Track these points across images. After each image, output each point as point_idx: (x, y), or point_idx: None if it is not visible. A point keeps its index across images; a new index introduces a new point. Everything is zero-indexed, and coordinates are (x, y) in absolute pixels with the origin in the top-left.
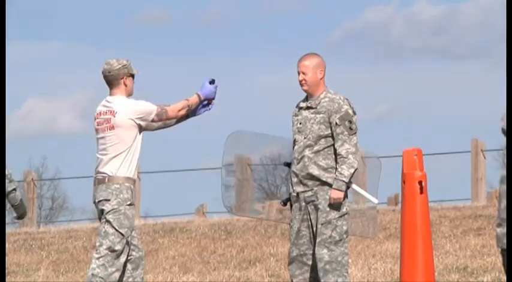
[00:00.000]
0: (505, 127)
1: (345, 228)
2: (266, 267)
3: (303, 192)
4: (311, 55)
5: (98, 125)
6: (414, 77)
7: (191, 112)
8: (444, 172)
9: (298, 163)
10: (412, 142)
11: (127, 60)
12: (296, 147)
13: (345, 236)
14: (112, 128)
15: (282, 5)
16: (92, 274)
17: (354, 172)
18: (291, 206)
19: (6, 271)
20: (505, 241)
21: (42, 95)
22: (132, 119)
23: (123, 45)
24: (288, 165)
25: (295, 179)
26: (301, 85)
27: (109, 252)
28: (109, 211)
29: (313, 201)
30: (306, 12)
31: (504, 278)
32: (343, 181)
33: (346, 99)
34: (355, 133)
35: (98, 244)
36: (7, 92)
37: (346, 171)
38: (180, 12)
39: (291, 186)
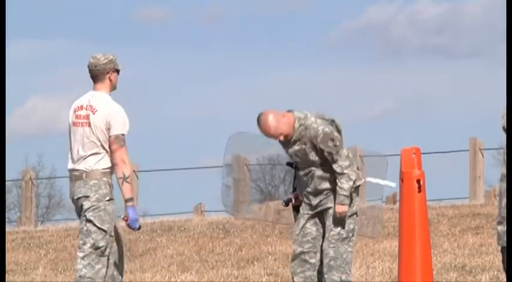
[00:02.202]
0: (505, 125)
1: (352, 226)
2: (264, 266)
3: (320, 201)
4: (262, 120)
5: (76, 119)
6: (413, 75)
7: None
8: (442, 171)
9: (309, 184)
10: (411, 141)
11: (113, 55)
12: (301, 172)
13: (351, 234)
14: (89, 125)
15: (284, 3)
16: (80, 276)
17: (354, 183)
18: (293, 207)
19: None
20: (505, 239)
21: (43, 93)
22: (105, 123)
23: (123, 43)
24: (291, 165)
25: (311, 196)
26: (279, 140)
27: (93, 250)
28: (88, 208)
29: (325, 203)
30: (308, 10)
31: (502, 276)
32: (345, 195)
33: (318, 117)
34: (341, 146)
35: (81, 242)
36: (9, 90)
37: (345, 184)
38: (180, 10)
39: (307, 199)
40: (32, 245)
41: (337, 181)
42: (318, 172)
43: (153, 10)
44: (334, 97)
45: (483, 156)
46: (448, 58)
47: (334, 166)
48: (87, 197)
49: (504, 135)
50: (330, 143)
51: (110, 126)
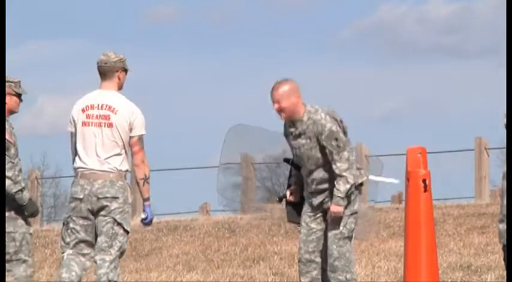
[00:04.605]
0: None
1: (353, 226)
2: (270, 266)
3: (321, 201)
4: (280, 83)
5: (87, 118)
6: (421, 75)
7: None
8: (448, 170)
9: (309, 185)
10: (417, 140)
11: (123, 55)
12: (302, 170)
13: (351, 233)
14: (111, 125)
15: (295, 2)
16: (108, 279)
17: (351, 187)
18: (286, 202)
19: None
20: (506, 237)
21: (50, 93)
22: (128, 123)
23: (132, 42)
24: (288, 161)
25: (312, 197)
26: (279, 114)
27: (119, 254)
28: (115, 210)
29: (327, 202)
30: (318, 9)
31: None
32: (341, 197)
33: (328, 113)
34: (344, 148)
35: (105, 245)
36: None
37: (342, 187)
38: (189, 10)
39: (308, 199)
40: (37, 244)
41: (335, 182)
42: (319, 173)
43: (163, 10)
44: (341, 96)
45: (488, 155)
46: (456, 58)
47: (333, 167)
48: (115, 198)
49: (505, 133)
50: (334, 142)
51: (133, 127)
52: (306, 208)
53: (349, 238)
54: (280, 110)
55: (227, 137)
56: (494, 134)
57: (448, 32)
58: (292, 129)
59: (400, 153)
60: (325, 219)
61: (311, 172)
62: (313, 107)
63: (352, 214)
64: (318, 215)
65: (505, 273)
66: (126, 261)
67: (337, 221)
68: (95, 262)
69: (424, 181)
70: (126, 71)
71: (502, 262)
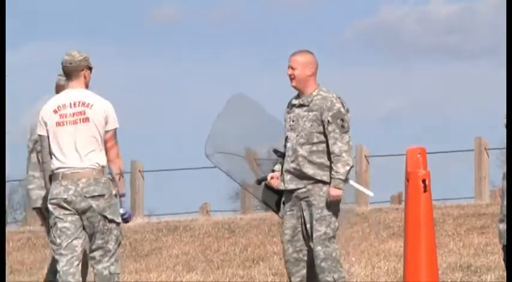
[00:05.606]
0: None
1: (337, 224)
2: (269, 266)
3: (296, 189)
4: (303, 51)
5: (61, 118)
6: (422, 75)
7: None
8: (448, 170)
9: (292, 161)
10: (416, 140)
11: (87, 54)
12: (289, 144)
13: (336, 232)
14: (87, 120)
15: (293, 3)
16: (110, 273)
17: (350, 169)
18: (265, 185)
19: (10, 270)
20: (506, 237)
21: (52, 94)
22: (104, 117)
23: (130, 43)
24: (277, 152)
25: (288, 176)
26: (290, 80)
27: (117, 246)
28: (103, 208)
29: (307, 197)
30: (318, 10)
31: None
32: (340, 179)
33: (339, 97)
34: (347, 131)
35: (101, 241)
36: (21, 90)
37: (341, 169)
38: (188, 10)
39: (282, 183)
40: (37, 244)
41: (332, 165)
42: (304, 151)
43: (163, 10)
44: (342, 96)
45: (488, 156)
46: (456, 58)
47: (333, 147)
48: (102, 195)
49: (505, 133)
50: (339, 122)
51: (108, 121)
52: (286, 207)
53: (334, 237)
54: (292, 77)
55: (228, 103)
56: (494, 134)
57: (449, 32)
58: (295, 101)
59: (400, 154)
60: (304, 218)
61: (297, 146)
62: (326, 88)
63: (334, 213)
64: (299, 215)
65: (504, 273)
66: (126, 262)
67: (334, 204)
68: (93, 258)
69: (423, 181)
70: (90, 69)
71: (502, 262)
